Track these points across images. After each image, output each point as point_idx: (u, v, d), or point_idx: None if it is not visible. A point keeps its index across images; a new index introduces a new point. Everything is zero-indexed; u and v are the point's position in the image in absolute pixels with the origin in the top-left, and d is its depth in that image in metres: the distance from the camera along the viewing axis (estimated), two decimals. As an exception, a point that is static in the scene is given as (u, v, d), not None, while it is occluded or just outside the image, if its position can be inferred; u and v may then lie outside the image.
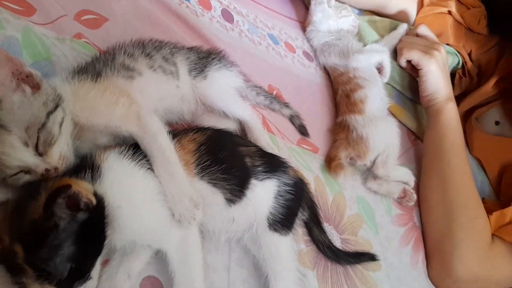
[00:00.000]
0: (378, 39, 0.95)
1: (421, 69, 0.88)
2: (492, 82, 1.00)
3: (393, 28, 0.98)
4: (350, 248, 0.68)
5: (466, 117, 1.07)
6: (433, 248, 0.77)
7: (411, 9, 1.04)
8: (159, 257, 0.49)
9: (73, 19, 0.61)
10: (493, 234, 0.76)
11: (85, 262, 0.41)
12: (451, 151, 0.82)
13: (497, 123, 1.04)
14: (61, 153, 0.44)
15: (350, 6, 1.01)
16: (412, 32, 0.96)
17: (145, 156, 0.48)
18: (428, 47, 0.89)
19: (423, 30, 0.93)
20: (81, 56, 0.57)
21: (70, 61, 0.56)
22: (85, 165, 0.44)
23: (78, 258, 0.39)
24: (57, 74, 0.52)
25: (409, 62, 0.91)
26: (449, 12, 1.02)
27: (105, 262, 0.46)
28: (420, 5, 1.03)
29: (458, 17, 1.02)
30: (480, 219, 0.76)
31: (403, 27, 0.96)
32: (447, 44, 1.00)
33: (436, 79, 0.87)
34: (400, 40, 0.94)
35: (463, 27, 1.04)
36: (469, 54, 1.04)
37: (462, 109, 1.03)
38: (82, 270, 0.40)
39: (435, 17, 1.02)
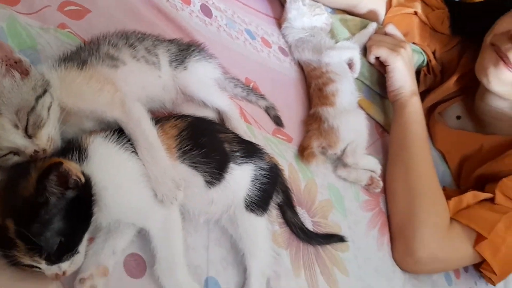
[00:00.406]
0: (349, 36, 0.99)
1: (388, 65, 0.93)
2: (453, 79, 1.06)
3: (364, 26, 1.02)
4: (321, 230, 0.72)
5: (430, 112, 1.12)
6: (397, 231, 0.82)
7: (380, 9, 1.09)
8: (142, 235, 0.52)
9: (56, 9, 0.63)
10: (451, 218, 0.82)
11: (74, 237, 0.43)
12: (414, 142, 0.87)
13: (458, 117, 1.10)
14: (49, 136, 0.46)
15: (324, 5, 1.05)
16: (381, 31, 1.01)
17: (129, 140, 0.50)
18: (395, 45, 0.94)
19: (391, 29, 0.99)
20: (65, 46, 0.59)
21: (55, 50, 0.58)
22: (72, 148, 0.47)
23: (67, 233, 0.42)
24: (43, 62, 0.54)
25: (377, 58, 0.96)
26: (415, 13, 1.07)
27: (91, 240, 0.49)
28: (389, 5, 1.08)
29: (423, 17, 1.07)
30: (440, 204, 0.82)
31: (372, 26, 1.01)
32: (413, 43, 1.05)
33: (402, 75, 0.92)
34: (370, 38, 0.99)
35: (428, 27, 1.09)
36: (434, 53, 1.10)
37: (426, 104, 1.09)
38: (70, 245, 0.43)
39: (402, 17, 1.07)
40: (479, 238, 0.79)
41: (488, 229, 0.78)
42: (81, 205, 0.44)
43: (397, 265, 0.81)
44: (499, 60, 0.84)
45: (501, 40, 0.84)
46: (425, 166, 0.86)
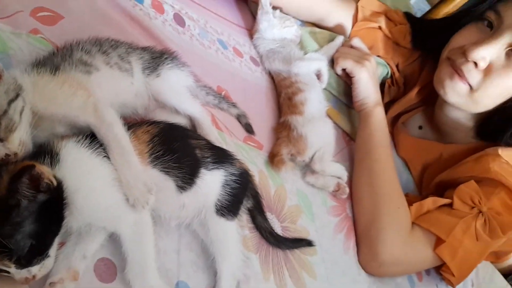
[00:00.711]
0: (318, 48, 1.03)
1: (354, 76, 0.97)
2: (415, 90, 1.12)
3: (331, 39, 1.07)
4: (290, 235, 0.74)
5: (394, 122, 1.18)
6: (362, 235, 0.86)
7: (347, 23, 1.14)
8: (113, 239, 0.52)
9: (29, 15, 0.63)
10: (412, 223, 0.86)
11: (44, 240, 0.44)
12: (378, 149, 0.91)
13: (420, 127, 1.16)
14: (21, 140, 0.46)
15: (294, 17, 1.10)
16: (347, 44, 1.06)
17: (101, 145, 0.51)
18: (361, 58, 0.99)
19: (356, 42, 1.04)
20: (37, 51, 0.59)
21: (26, 55, 0.58)
22: (44, 152, 0.47)
23: (38, 236, 0.42)
24: (15, 67, 0.54)
25: (344, 70, 1.01)
26: (380, 28, 1.12)
27: (62, 244, 0.49)
28: (355, 19, 1.13)
29: (387, 32, 1.12)
30: (402, 209, 0.86)
31: (339, 39, 1.05)
32: (378, 56, 1.10)
33: (367, 86, 0.97)
34: (337, 51, 1.04)
35: (391, 41, 1.14)
36: (397, 66, 1.15)
37: (391, 115, 1.14)
38: (41, 248, 0.43)
39: (367, 31, 1.12)
40: (438, 241, 0.84)
41: (446, 232, 0.82)
42: (52, 208, 0.44)
43: (362, 268, 0.84)
44: (454, 73, 0.89)
45: (456, 54, 0.89)
46: (388, 172, 0.90)
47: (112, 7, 0.76)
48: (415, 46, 1.14)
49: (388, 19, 1.14)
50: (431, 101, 1.10)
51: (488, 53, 0.82)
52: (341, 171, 0.89)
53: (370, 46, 1.10)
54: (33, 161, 0.44)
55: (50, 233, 0.44)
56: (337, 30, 1.15)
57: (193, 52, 0.84)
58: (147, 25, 0.78)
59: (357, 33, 1.12)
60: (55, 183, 0.43)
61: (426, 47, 1.12)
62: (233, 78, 0.89)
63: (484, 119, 0.94)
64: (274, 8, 1.01)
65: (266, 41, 0.99)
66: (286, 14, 1.05)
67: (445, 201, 0.88)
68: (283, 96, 0.91)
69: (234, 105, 0.81)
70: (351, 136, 1.03)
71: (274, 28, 0.98)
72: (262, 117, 0.89)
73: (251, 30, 1.06)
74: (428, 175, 1.05)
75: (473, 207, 0.84)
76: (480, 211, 0.84)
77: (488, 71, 0.84)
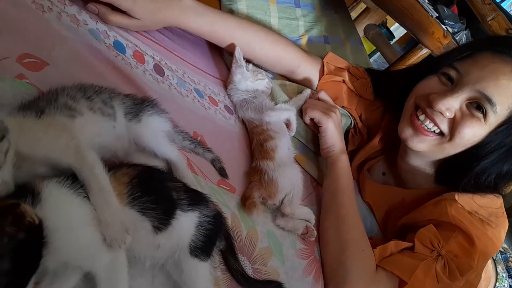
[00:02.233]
0: (287, 100, 1.11)
1: (321, 126, 1.05)
2: (377, 138, 1.19)
3: (299, 91, 1.15)
4: (261, 276, 0.76)
5: (360, 169, 1.25)
6: (329, 276, 0.89)
7: (314, 76, 1.23)
8: (87, 280, 0.53)
9: (15, 61, 0.65)
10: (377, 265, 0.90)
11: (20, 279, 0.44)
12: (343, 195, 0.97)
13: (383, 173, 1.23)
14: (3, 180, 0.47)
15: (267, 70, 1.19)
16: (314, 96, 1.14)
17: (82, 185, 0.53)
18: (327, 109, 1.07)
19: (323, 95, 1.13)
20: (21, 95, 0.61)
21: (10, 99, 0.60)
22: (26, 191, 0.49)
23: (14, 274, 0.43)
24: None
25: (312, 120, 1.08)
26: (343, 81, 1.22)
27: (36, 284, 0.49)
28: (321, 73, 1.22)
29: (350, 85, 1.22)
30: (366, 251, 0.90)
31: (307, 91, 1.14)
32: (342, 107, 1.19)
33: (333, 135, 1.04)
34: (305, 102, 1.12)
35: (355, 93, 1.23)
36: (360, 116, 1.24)
37: (356, 162, 1.21)
38: (16, 287, 0.44)
39: (333, 84, 1.21)
40: (401, 283, 0.87)
41: (408, 274, 0.85)
42: (31, 247, 0.45)
43: None
44: (418, 130, 0.96)
45: (423, 102, 0.97)
46: (352, 216, 0.95)
47: (95, 56, 0.80)
48: (377, 96, 1.23)
49: (351, 74, 1.24)
50: (393, 148, 1.17)
51: (453, 104, 0.90)
52: (309, 215, 0.92)
53: (335, 97, 1.18)
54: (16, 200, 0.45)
55: (27, 272, 0.45)
56: (305, 82, 1.23)
57: (172, 100, 0.88)
58: (129, 73, 0.82)
59: (323, 85, 1.21)
60: (37, 221, 0.45)
61: (387, 97, 1.20)
62: (208, 125, 0.94)
63: (441, 165, 1.01)
64: (248, 61, 1.09)
65: (239, 91, 1.06)
66: (259, 67, 1.13)
67: (407, 244, 0.91)
68: (255, 142, 0.96)
69: (209, 150, 0.85)
70: (319, 182, 1.08)
71: (247, 80, 1.05)
72: (235, 161, 0.92)
73: (225, 81, 1.12)
74: (392, 219, 1.09)
75: (432, 250, 0.88)
76: (439, 254, 0.88)
77: (453, 119, 0.91)
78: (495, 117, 0.88)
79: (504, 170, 0.92)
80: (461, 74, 0.92)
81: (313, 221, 0.93)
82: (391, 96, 1.16)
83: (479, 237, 0.88)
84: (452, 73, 0.94)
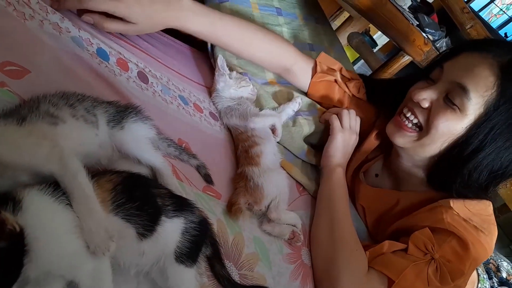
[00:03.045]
0: (276, 106, 1.12)
1: (330, 134, 1.10)
2: (370, 139, 1.19)
3: (290, 98, 1.16)
4: (247, 282, 0.76)
5: (357, 172, 1.24)
6: (322, 276, 0.90)
7: (308, 75, 1.24)
8: (71, 288, 0.52)
9: (-4, 69, 0.65)
10: (368, 266, 0.90)
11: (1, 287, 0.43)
12: (339, 202, 1.01)
13: (376, 175, 1.23)
14: (-16, 188, 0.47)
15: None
16: (352, 112, 1.16)
17: (64, 193, 0.53)
18: (347, 126, 1.12)
19: (353, 113, 1.16)
20: (2, 103, 0.61)
21: (-9, 107, 0.60)
22: (7, 199, 0.48)
23: (-6, 284, 0.42)
24: (-20, 117, 0.55)
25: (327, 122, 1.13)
26: (335, 81, 1.23)
27: (17, 294, 0.48)
28: (314, 71, 1.24)
29: (343, 85, 1.23)
30: (359, 251, 0.92)
31: (298, 99, 1.13)
32: (333, 106, 1.22)
33: (336, 147, 1.09)
34: (343, 110, 1.15)
35: (347, 94, 1.25)
36: None
37: (353, 166, 1.21)
38: (-4, 297, 0.43)
39: (325, 83, 1.23)
40: (390, 282, 0.87)
41: (397, 273, 0.86)
42: (12, 255, 0.44)
43: None
44: (401, 125, 1.01)
45: (409, 101, 1.01)
46: (346, 221, 0.97)
47: (78, 64, 0.80)
48: (369, 99, 1.26)
49: (342, 75, 1.26)
50: (388, 150, 1.19)
51: (428, 95, 0.95)
52: (296, 220, 0.93)
53: (325, 96, 1.21)
54: (-4, 208, 0.44)
55: (8, 280, 0.44)
56: (298, 80, 1.25)
57: (156, 107, 0.88)
58: (112, 81, 0.82)
59: (315, 84, 1.23)
60: (18, 229, 0.44)
61: (379, 102, 1.24)
62: (193, 131, 0.94)
63: (432, 167, 1.02)
64: (231, 69, 1.09)
65: (223, 99, 1.06)
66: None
67: (401, 246, 0.92)
68: (240, 149, 0.97)
69: (194, 156, 0.85)
70: (304, 187, 1.09)
71: (231, 88, 1.05)
72: (220, 168, 0.92)
73: (210, 87, 1.12)
74: (384, 223, 1.10)
75: (426, 253, 0.88)
76: (433, 258, 0.88)
77: (430, 111, 0.95)
78: (471, 106, 0.89)
79: (496, 167, 0.91)
80: (443, 71, 0.97)
81: (299, 226, 0.93)
82: (383, 102, 1.20)
83: (474, 244, 0.88)
84: (436, 72, 0.98)
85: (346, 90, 1.25)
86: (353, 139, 1.14)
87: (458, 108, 0.90)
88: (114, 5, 0.84)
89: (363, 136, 1.22)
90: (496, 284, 1.33)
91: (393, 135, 1.03)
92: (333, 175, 1.05)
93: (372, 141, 1.20)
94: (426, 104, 0.95)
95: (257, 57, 1.15)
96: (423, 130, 0.97)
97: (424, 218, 0.96)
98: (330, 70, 1.25)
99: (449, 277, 0.87)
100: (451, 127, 0.92)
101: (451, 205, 0.93)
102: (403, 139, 1.01)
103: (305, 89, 1.26)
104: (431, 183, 1.04)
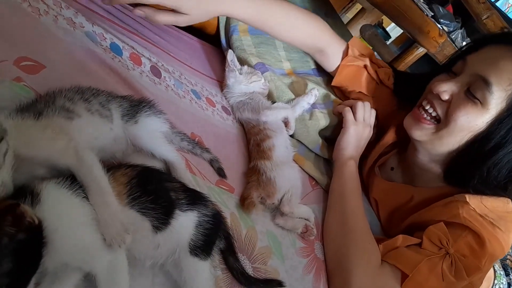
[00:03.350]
0: (293, 97, 1.11)
1: (343, 127, 1.09)
2: (390, 133, 1.18)
3: (307, 88, 1.14)
4: (261, 275, 0.76)
5: (373, 168, 1.22)
6: (335, 269, 0.89)
7: (339, 58, 1.23)
8: (87, 280, 0.53)
9: (12, 64, 0.66)
10: (382, 260, 0.89)
11: (21, 279, 0.44)
12: (351, 195, 1.00)
13: (392, 168, 1.21)
14: (2, 181, 0.47)
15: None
16: (369, 105, 1.15)
17: (80, 186, 0.53)
18: (361, 120, 1.10)
19: (368, 105, 1.14)
20: (19, 98, 0.62)
21: (9, 101, 0.60)
22: (25, 192, 0.49)
23: (15, 275, 0.43)
24: (-2, 112, 0.56)
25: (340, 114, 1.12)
26: (365, 66, 1.21)
27: (36, 285, 0.49)
28: (345, 54, 1.23)
29: (371, 71, 1.21)
30: (372, 244, 0.91)
31: (314, 92, 1.11)
32: (359, 92, 1.20)
33: (348, 140, 1.08)
34: (358, 102, 1.13)
35: (375, 82, 1.23)
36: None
37: (371, 160, 1.19)
38: (17, 287, 0.44)
39: (354, 68, 1.21)
40: (403, 277, 0.86)
41: (410, 267, 0.85)
42: (31, 247, 0.45)
43: None
44: (419, 117, 0.98)
45: (428, 94, 0.99)
46: (358, 213, 0.97)
47: (91, 59, 0.81)
48: (395, 93, 1.23)
49: (372, 62, 1.24)
50: (404, 144, 1.16)
51: (449, 87, 0.92)
52: (309, 213, 0.93)
53: (353, 80, 1.20)
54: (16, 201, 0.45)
55: (27, 272, 0.45)
56: (330, 62, 1.24)
57: (169, 101, 0.89)
58: (125, 75, 0.83)
59: (345, 67, 1.22)
60: (36, 221, 0.45)
61: (402, 96, 1.21)
62: (206, 125, 0.94)
63: (450, 163, 0.99)
64: (242, 63, 1.09)
65: (235, 94, 1.07)
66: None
67: (415, 240, 0.91)
68: (252, 142, 0.97)
69: (207, 150, 0.85)
70: (317, 181, 1.09)
71: (241, 84, 1.05)
72: (233, 162, 0.93)
73: (222, 81, 1.12)
74: (398, 217, 1.08)
75: (440, 248, 0.87)
76: (447, 253, 0.86)
77: (450, 104, 0.93)
78: (493, 100, 0.87)
79: None
80: (466, 64, 0.94)
81: (312, 219, 0.93)
82: (408, 97, 1.16)
83: (490, 240, 0.86)
84: (459, 65, 0.96)
85: (375, 76, 1.23)
86: (367, 132, 1.12)
87: (480, 102, 0.88)
88: None
89: (383, 127, 1.20)
90: (513, 280, 1.31)
91: (411, 127, 1.01)
92: (345, 168, 1.04)
93: (392, 135, 1.18)
94: (446, 97, 0.93)
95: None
96: (441, 122, 0.95)
97: (439, 213, 0.94)
98: (361, 56, 1.24)
99: (465, 272, 0.85)
100: (471, 121, 0.89)
101: (467, 200, 0.91)
102: (420, 132, 0.99)
103: (334, 71, 1.25)
104: (448, 179, 1.02)
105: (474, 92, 0.89)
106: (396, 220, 1.09)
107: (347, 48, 1.22)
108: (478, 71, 0.89)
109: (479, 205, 0.90)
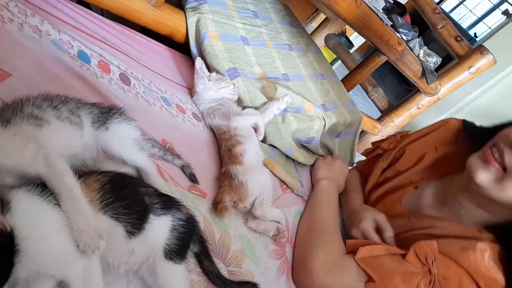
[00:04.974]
0: (265, 101, 1.12)
1: None
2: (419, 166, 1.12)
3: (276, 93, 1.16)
4: (236, 278, 0.77)
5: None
6: (298, 265, 0.93)
7: None
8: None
9: (-23, 72, 0.65)
10: (355, 259, 0.85)
11: (-9, 288, 0.43)
12: (320, 203, 1.09)
13: (416, 187, 1.09)
14: (-30, 190, 0.47)
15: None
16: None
17: (52, 193, 0.53)
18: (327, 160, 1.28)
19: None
20: (-16, 106, 0.61)
21: (-27, 110, 0.59)
22: (-5, 201, 0.48)
23: (-15, 284, 0.42)
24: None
25: None
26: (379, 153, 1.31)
27: (7, 295, 0.48)
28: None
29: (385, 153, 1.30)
30: (334, 236, 0.95)
31: (286, 98, 1.12)
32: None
33: (317, 167, 1.24)
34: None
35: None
36: None
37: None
38: (-13, 297, 0.43)
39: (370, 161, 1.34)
40: (370, 280, 0.83)
41: (381, 275, 0.82)
42: (2, 255, 0.45)
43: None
44: (488, 159, 0.87)
45: (500, 141, 0.88)
46: (326, 215, 1.04)
47: (59, 66, 0.80)
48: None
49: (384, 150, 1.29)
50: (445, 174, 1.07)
51: None
52: (280, 216, 0.95)
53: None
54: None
55: (-2, 281, 0.44)
56: None
57: (139, 108, 0.89)
58: (94, 83, 0.82)
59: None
60: (8, 228, 0.44)
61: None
62: (177, 132, 0.94)
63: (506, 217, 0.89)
64: (210, 70, 1.11)
65: (205, 101, 1.08)
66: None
67: (399, 251, 0.86)
68: (224, 148, 0.98)
69: (178, 156, 0.86)
70: (287, 185, 1.11)
71: (210, 90, 1.06)
72: (205, 167, 0.94)
73: (191, 88, 1.13)
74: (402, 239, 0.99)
75: (424, 265, 0.83)
76: (430, 271, 0.82)
77: None
78: None
79: None
80: None
81: (283, 222, 0.95)
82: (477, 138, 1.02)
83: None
84: None
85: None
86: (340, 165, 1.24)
87: None
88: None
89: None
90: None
91: (477, 169, 0.89)
92: (317, 185, 1.16)
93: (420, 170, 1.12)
94: None
95: None
96: (508, 173, 0.85)
97: (453, 253, 0.84)
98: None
99: None
100: None
101: (486, 253, 0.83)
102: (485, 175, 0.87)
103: None
104: (500, 237, 0.89)
105: None
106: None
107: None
108: None
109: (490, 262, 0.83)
